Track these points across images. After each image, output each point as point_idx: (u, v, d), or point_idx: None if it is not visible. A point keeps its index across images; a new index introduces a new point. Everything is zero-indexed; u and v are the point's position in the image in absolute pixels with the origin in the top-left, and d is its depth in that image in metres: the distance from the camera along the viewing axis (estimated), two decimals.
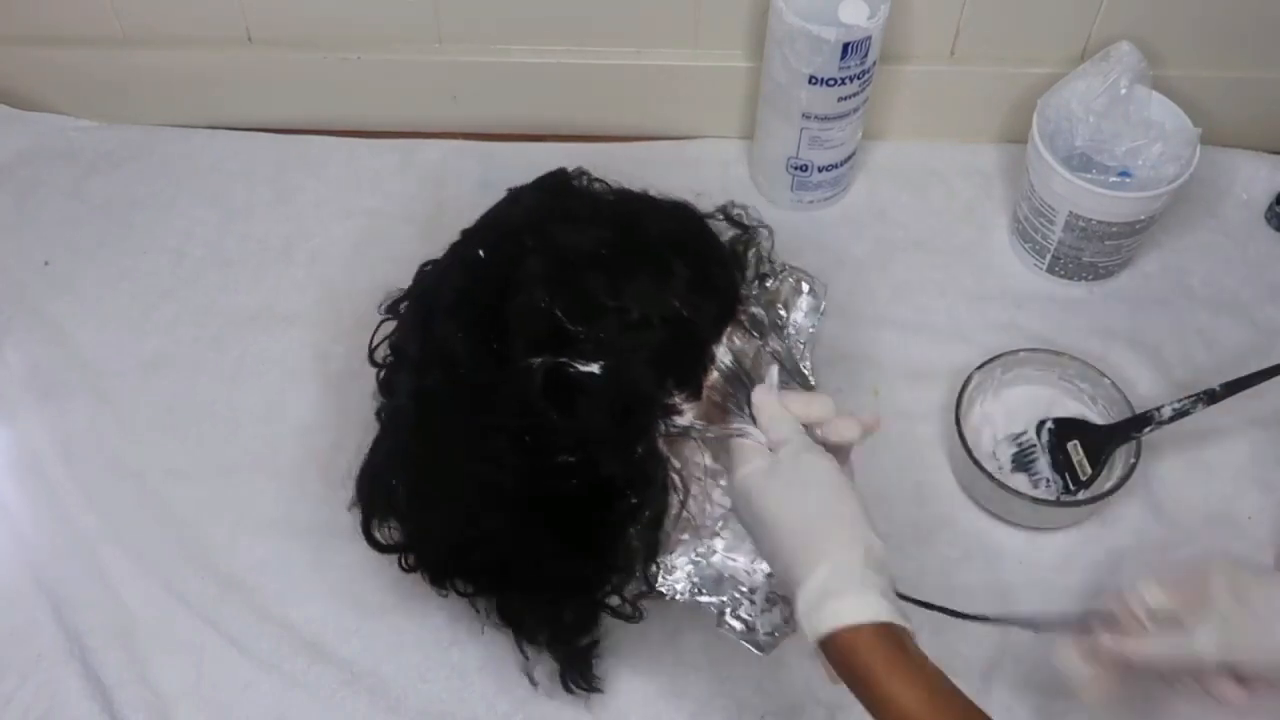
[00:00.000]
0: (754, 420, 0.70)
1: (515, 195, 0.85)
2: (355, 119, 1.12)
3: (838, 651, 0.60)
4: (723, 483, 0.74)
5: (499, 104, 1.10)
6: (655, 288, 0.73)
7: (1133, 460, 0.85)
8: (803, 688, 0.80)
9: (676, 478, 0.72)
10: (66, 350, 0.97)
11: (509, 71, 1.07)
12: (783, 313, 0.83)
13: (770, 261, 0.85)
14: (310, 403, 0.94)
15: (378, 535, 0.79)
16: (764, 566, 0.73)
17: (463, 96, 1.10)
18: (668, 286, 0.73)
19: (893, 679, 0.58)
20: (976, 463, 0.86)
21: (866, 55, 0.92)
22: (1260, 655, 0.60)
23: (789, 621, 0.72)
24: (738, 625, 0.73)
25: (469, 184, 1.07)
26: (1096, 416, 0.90)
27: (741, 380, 0.73)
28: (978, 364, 0.91)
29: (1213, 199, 1.06)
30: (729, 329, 0.76)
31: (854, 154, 1.03)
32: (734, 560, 0.74)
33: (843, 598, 0.60)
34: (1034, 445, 0.89)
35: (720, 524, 0.74)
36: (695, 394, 0.72)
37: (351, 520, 0.86)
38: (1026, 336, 0.96)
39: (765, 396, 0.70)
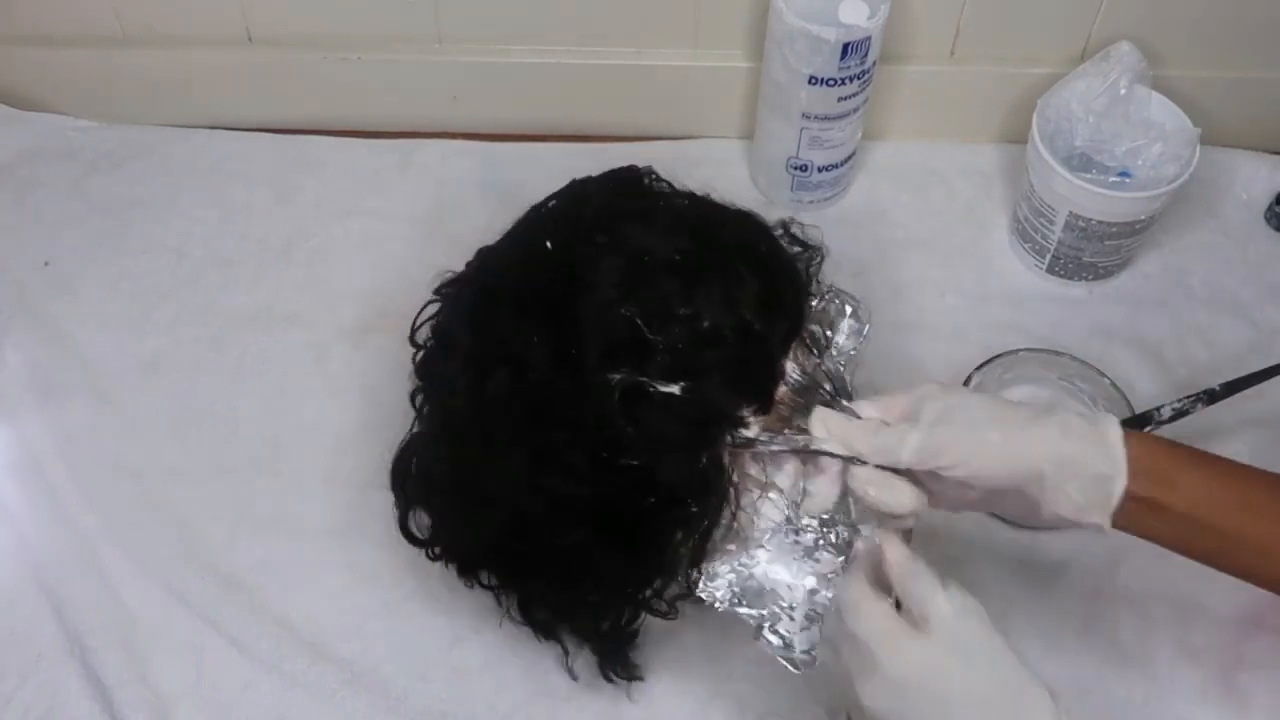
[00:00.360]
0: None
1: (581, 188, 0.83)
2: (355, 119, 1.12)
3: None
4: (772, 495, 0.73)
5: (499, 104, 1.10)
6: (727, 297, 0.72)
7: None
8: (803, 688, 0.80)
9: (731, 490, 0.72)
10: (66, 350, 0.97)
11: (509, 71, 1.07)
12: (828, 333, 0.83)
13: (818, 283, 0.84)
14: (310, 403, 0.94)
15: (413, 529, 0.79)
16: (806, 583, 0.72)
17: (463, 96, 1.10)
18: (739, 297, 0.72)
19: None
20: None
21: (866, 55, 0.92)
22: (955, 459, 0.64)
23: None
24: (775, 641, 0.72)
25: (469, 184, 1.07)
26: None
27: (811, 392, 0.73)
28: (978, 364, 0.91)
29: (1213, 199, 1.06)
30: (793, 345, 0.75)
31: (854, 154, 1.03)
32: (777, 574, 0.73)
33: None
34: None
35: (767, 536, 0.73)
36: (764, 409, 0.72)
37: (350, 519, 0.86)
38: (1026, 336, 0.96)
39: (899, 555, 0.66)
